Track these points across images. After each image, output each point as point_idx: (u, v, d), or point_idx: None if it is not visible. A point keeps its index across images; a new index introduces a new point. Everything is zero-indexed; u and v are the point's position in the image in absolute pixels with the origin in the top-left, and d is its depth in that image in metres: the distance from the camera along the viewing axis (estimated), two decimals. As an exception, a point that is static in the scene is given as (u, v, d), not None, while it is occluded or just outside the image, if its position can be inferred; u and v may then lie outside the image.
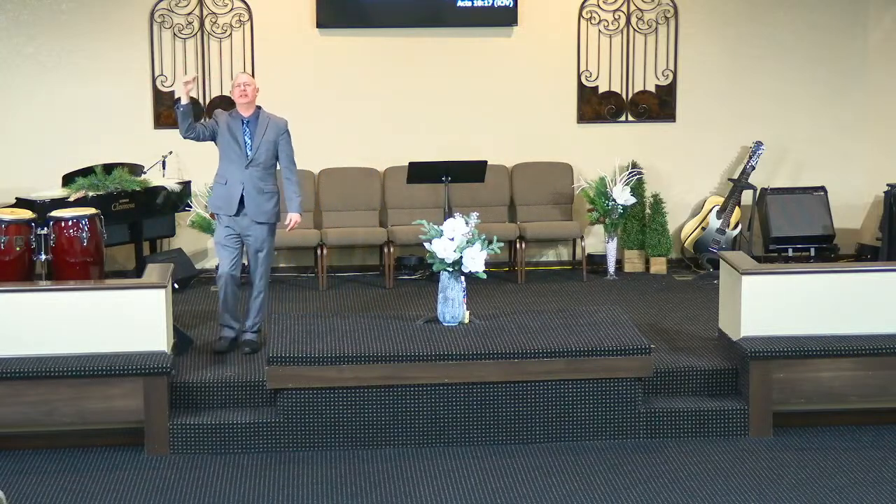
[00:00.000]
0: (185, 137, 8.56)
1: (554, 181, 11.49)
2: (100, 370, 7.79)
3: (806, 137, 11.72)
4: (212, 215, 9.45)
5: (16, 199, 10.09)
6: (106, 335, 7.97)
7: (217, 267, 8.82)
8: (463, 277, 8.42)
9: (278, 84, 11.23)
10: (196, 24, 11.12)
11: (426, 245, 8.42)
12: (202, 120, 8.69)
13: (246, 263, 9.00)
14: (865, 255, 11.53)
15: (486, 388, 8.01)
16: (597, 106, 11.59)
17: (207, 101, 11.10)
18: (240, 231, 8.66)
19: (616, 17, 11.49)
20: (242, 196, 8.57)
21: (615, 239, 11.27)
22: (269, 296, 8.94)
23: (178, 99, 8.20)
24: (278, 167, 8.79)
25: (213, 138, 8.64)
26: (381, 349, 8.02)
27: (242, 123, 8.59)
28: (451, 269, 8.36)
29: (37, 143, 11.05)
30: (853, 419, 8.34)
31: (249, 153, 8.56)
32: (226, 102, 11.09)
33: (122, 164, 10.47)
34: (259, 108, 8.67)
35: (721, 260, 8.83)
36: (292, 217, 8.78)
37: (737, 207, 11.43)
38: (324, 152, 11.31)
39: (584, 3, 11.43)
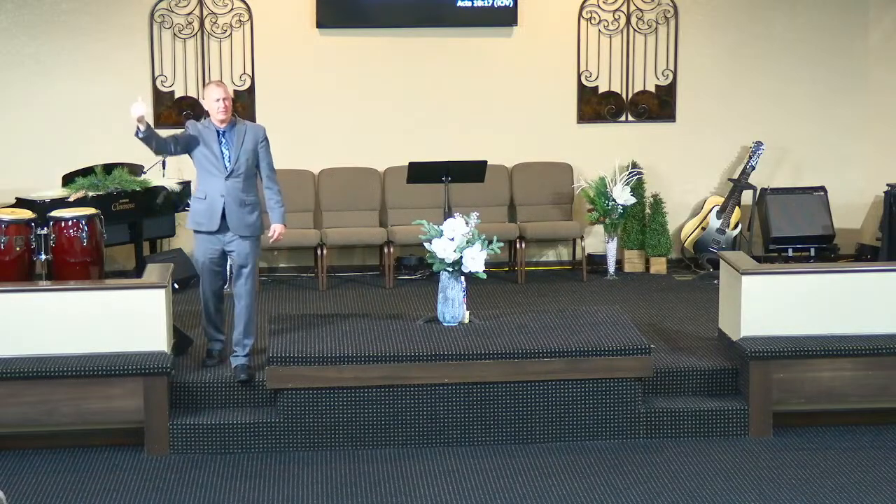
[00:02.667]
0: (157, 155, 8.27)
1: (554, 181, 11.49)
2: (100, 370, 7.79)
3: (806, 137, 11.72)
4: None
5: (16, 199, 10.09)
6: (106, 335, 7.97)
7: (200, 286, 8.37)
8: (463, 277, 8.42)
9: (278, 84, 11.24)
10: (196, 24, 11.12)
11: (426, 245, 8.42)
12: (175, 134, 8.18)
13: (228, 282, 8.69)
14: (865, 255, 11.53)
15: (486, 388, 8.01)
16: (597, 106, 11.59)
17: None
18: (222, 246, 8.20)
19: (616, 17, 11.49)
20: (224, 210, 8.11)
21: (615, 239, 11.27)
22: (256, 312, 8.41)
23: (137, 129, 7.89)
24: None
25: (188, 151, 8.18)
26: (381, 349, 8.02)
27: (219, 134, 8.11)
28: (451, 269, 8.36)
29: (37, 143, 11.05)
30: (853, 419, 8.33)
31: (228, 164, 8.08)
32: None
33: (122, 164, 10.47)
34: (235, 115, 8.22)
35: (721, 260, 8.83)
36: (276, 228, 8.29)
37: (737, 207, 11.42)
38: (324, 152, 11.32)
39: (584, 3, 11.43)
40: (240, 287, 8.22)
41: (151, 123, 8.16)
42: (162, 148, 8.06)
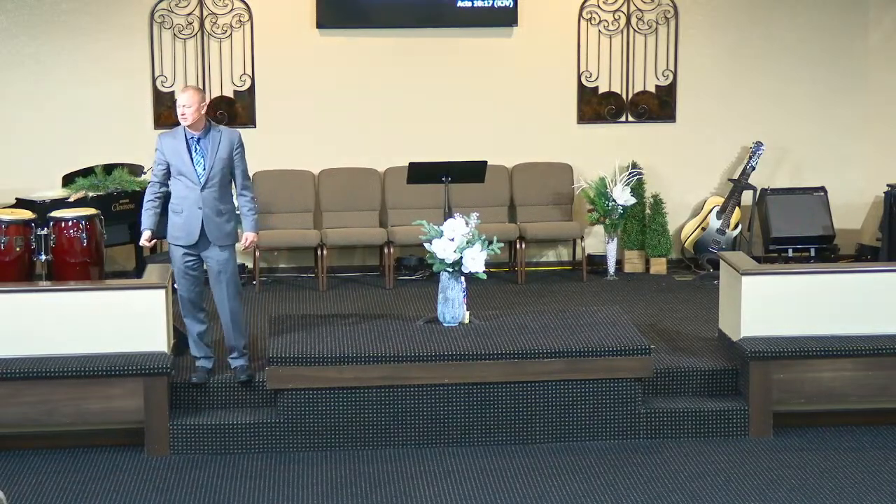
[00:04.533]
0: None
1: (554, 181, 11.49)
2: (100, 370, 7.79)
3: (806, 137, 11.72)
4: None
5: (16, 199, 10.08)
6: (106, 335, 7.97)
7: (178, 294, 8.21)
8: (463, 278, 8.42)
9: (278, 84, 11.24)
10: (196, 25, 11.12)
11: (426, 245, 8.42)
12: (157, 168, 8.13)
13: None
14: (865, 256, 11.53)
15: (486, 389, 8.01)
16: (597, 106, 11.59)
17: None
18: (199, 252, 8.06)
19: (616, 17, 11.48)
20: (203, 223, 7.97)
21: (615, 239, 11.27)
22: (243, 313, 8.26)
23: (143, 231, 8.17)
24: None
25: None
26: (381, 349, 8.02)
27: (192, 143, 7.95)
28: (451, 270, 8.36)
29: (37, 143, 11.05)
30: (853, 419, 8.33)
31: (203, 175, 7.94)
32: (225, 103, 11.12)
33: (122, 165, 10.46)
34: (209, 121, 8.03)
35: (721, 260, 8.83)
36: (248, 237, 8.15)
37: (737, 208, 11.42)
38: (324, 152, 11.31)
39: (584, 3, 11.42)
40: (221, 293, 8.12)
41: (151, 229, 8.23)
42: (162, 187, 8.10)
